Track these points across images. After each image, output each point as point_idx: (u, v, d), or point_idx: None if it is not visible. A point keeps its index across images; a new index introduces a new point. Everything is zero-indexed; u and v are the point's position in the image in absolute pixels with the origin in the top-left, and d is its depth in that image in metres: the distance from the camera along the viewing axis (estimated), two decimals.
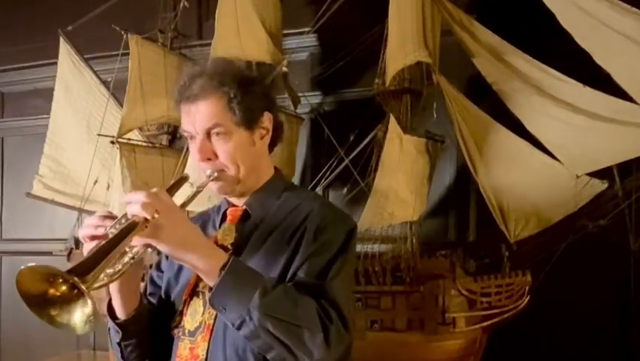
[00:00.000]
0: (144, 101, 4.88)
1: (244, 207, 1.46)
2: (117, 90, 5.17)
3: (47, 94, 5.64)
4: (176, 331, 1.42)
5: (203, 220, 1.57)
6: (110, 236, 1.17)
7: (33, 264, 1.06)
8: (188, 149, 4.74)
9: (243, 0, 4.61)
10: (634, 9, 3.53)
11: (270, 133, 1.47)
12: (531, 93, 4.01)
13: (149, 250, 1.23)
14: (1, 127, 6.45)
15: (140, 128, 5.29)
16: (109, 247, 1.13)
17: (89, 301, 1.05)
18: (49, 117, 5.52)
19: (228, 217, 1.48)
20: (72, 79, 5.42)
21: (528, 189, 4.11)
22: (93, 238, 1.23)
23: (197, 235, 1.25)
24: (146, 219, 1.16)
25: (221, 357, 1.33)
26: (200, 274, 1.26)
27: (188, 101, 1.39)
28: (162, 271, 1.57)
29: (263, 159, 1.48)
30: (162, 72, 5.04)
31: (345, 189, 4.59)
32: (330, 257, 1.32)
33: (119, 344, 1.43)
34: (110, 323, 1.42)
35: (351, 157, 4.48)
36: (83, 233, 1.24)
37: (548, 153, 4.04)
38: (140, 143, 5.15)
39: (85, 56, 5.42)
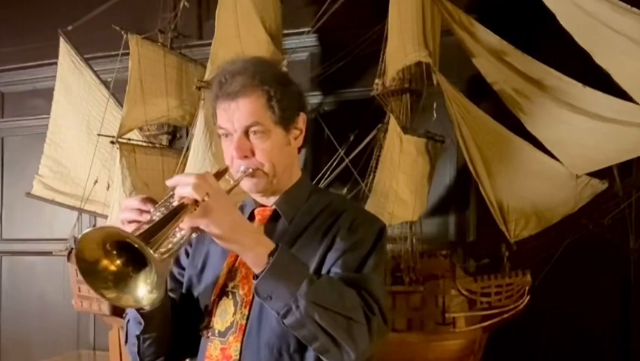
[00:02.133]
0: (144, 101, 4.88)
1: (273, 207, 1.45)
2: (117, 90, 5.17)
3: (47, 94, 5.64)
4: (205, 332, 1.40)
5: None
6: (155, 220, 1.15)
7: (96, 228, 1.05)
8: (188, 149, 4.75)
9: (243, 0, 4.62)
10: (634, 9, 3.53)
11: (303, 134, 1.47)
12: (531, 93, 4.01)
13: (195, 234, 1.21)
14: (1, 127, 6.45)
15: (140, 128, 5.28)
16: (164, 222, 1.12)
17: (154, 266, 1.03)
18: (49, 117, 5.52)
19: (257, 217, 1.47)
20: (72, 79, 5.42)
21: (528, 189, 4.11)
22: (133, 222, 1.21)
23: (245, 220, 1.25)
24: (195, 202, 1.15)
25: (256, 357, 1.32)
26: (246, 260, 1.25)
27: (228, 97, 1.37)
28: (183, 268, 1.55)
29: (295, 160, 1.49)
30: (162, 72, 5.04)
31: (345, 189, 4.59)
32: (365, 253, 1.33)
33: (138, 337, 1.40)
34: (132, 314, 1.38)
35: (351, 157, 4.48)
36: (123, 217, 1.22)
37: (548, 153, 4.05)
38: (140, 143, 5.15)
39: (85, 56, 5.42)
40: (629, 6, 3.54)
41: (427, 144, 4.37)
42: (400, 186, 4.21)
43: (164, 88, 5.04)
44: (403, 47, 4.14)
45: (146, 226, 1.13)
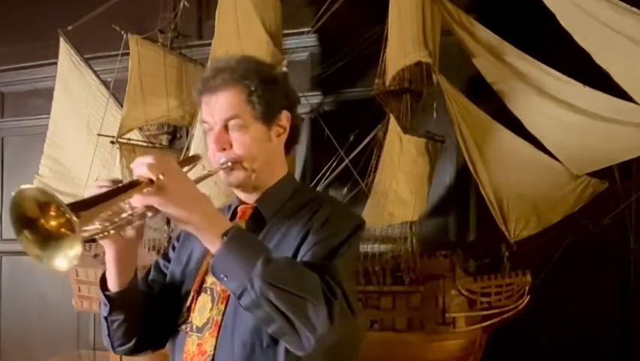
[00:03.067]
0: (144, 101, 4.89)
1: (255, 204, 1.47)
2: (117, 90, 5.17)
3: (47, 94, 5.64)
4: (183, 327, 1.42)
5: None
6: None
7: (30, 186, 1.04)
8: (188, 149, 4.75)
9: (242, 0, 4.62)
10: (634, 9, 3.53)
11: (287, 132, 1.48)
12: (531, 93, 4.01)
13: (150, 213, 1.22)
14: (1, 127, 6.45)
15: (140, 128, 5.29)
16: (108, 195, 1.13)
17: (78, 241, 1.03)
18: (49, 117, 5.52)
19: (238, 214, 1.49)
20: (72, 79, 5.42)
21: (528, 189, 4.11)
22: None
23: (202, 200, 1.24)
24: (150, 181, 1.17)
25: (229, 353, 1.33)
26: (202, 241, 1.25)
27: (209, 92, 1.41)
28: (169, 261, 1.57)
29: (277, 157, 1.49)
30: (162, 72, 5.04)
31: (345, 189, 4.59)
32: (335, 245, 1.32)
33: (105, 318, 1.43)
34: (100, 295, 1.41)
35: (351, 157, 4.48)
36: (88, 193, 1.22)
37: (548, 153, 4.05)
38: (140, 143, 5.15)
39: (85, 56, 5.42)
40: (629, 6, 3.54)
41: (427, 144, 4.37)
42: (400, 186, 4.21)
43: (164, 88, 5.04)
44: (403, 47, 4.15)
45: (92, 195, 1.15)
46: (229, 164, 1.40)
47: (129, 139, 5.01)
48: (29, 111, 6.23)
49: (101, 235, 1.21)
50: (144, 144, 5.20)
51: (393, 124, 4.27)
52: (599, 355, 4.26)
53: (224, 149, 1.40)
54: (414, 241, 4.30)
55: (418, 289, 4.06)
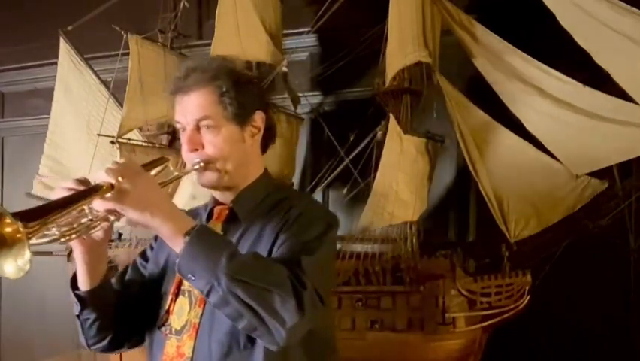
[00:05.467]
0: (144, 101, 4.88)
1: (230, 205, 1.47)
2: (117, 90, 5.17)
3: (47, 94, 5.64)
4: (162, 329, 1.42)
5: (191, 217, 1.58)
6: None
7: None
8: None
9: (242, 0, 4.62)
10: (634, 9, 3.53)
11: (262, 132, 1.47)
12: (531, 93, 4.01)
13: (112, 217, 1.23)
14: (1, 127, 6.45)
15: (140, 128, 5.29)
16: (64, 202, 1.13)
17: (27, 250, 1.03)
18: (49, 117, 5.52)
19: (214, 215, 1.49)
20: (72, 79, 5.42)
21: (528, 189, 4.11)
22: None
23: (164, 201, 1.24)
24: (111, 185, 1.17)
25: (207, 355, 1.33)
26: (166, 242, 1.25)
27: (181, 92, 1.41)
28: (147, 261, 1.57)
29: (252, 157, 1.48)
30: (162, 72, 5.04)
31: (345, 189, 4.59)
32: (306, 240, 1.32)
33: (77, 316, 1.43)
34: (71, 294, 1.41)
35: (351, 157, 4.48)
36: (55, 194, 1.22)
37: (548, 153, 4.05)
38: (140, 143, 5.15)
39: (85, 56, 5.42)
40: (629, 6, 3.54)
41: (427, 144, 4.37)
42: (400, 186, 4.21)
43: (164, 88, 5.03)
44: (403, 47, 4.15)
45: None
46: (201, 165, 1.39)
47: (129, 139, 5.01)
48: (29, 111, 6.24)
49: (61, 241, 1.21)
50: (144, 144, 5.20)
51: (393, 124, 4.27)
52: (599, 355, 4.26)
53: (197, 149, 1.40)
54: (414, 241, 4.30)
55: (418, 289, 4.06)
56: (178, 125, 1.44)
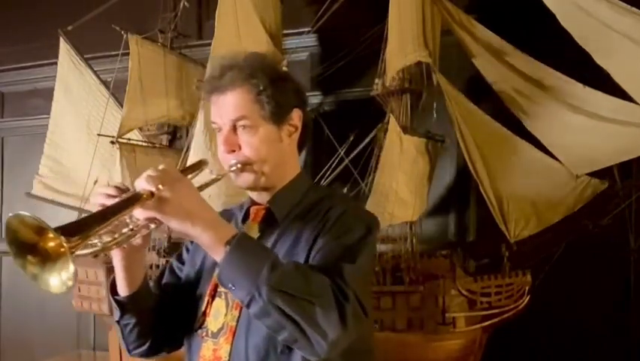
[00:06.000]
0: (144, 101, 4.89)
1: (267, 205, 1.44)
2: (117, 90, 5.17)
3: (47, 94, 5.64)
4: (199, 331, 1.40)
5: (225, 218, 1.53)
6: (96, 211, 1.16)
7: (23, 213, 1.04)
8: (188, 149, 4.75)
9: (243, 0, 4.62)
10: (634, 9, 3.52)
11: (299, 131, 1.44)
12: (531, 93, 4.01)
13: (153, 225, 1.22)
14: (1, 127, 6.45)
15: (140, 128, 5.28)
16: (106, 214, 1.13)
17: (71, 264, 1.03)
18: (49, 117, 5.52)
19: (251, 216, 1.46)
20: (72, 79, 5.42)
21: (528, 189, 4.11)
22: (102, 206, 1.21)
23: (204, 208, 1.21)
24: (151, 193, 1.15)
25: (244, 359, 1.31)
26: (207, 250, 1.23)
27: (217, 92, 1.38)
28: (183, 263, 1.55)
29: (289, 157, 1.45)
30: (162, 72, 5.04)
31: (345, 189, 4.58)
32: (348, 244, 1.28)
33: (118, 322, 1.42)
34: (111, 300, 1.40)
35: (351, 157, 4.48)
36: (94, 200, 1.21)
37: (548, 153, 4.05)
38: (140, 143, 5.15)
39: (85, 56, 5.42)
40: (629, 6, 3.54)
41: (427, 144, 4.37)
42: (400, 186, 4.21)
43: (164, 88, 5.04)
44: (403, 46, 4.15)
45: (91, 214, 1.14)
46: (238, 166, 1.36)
47: (129, 139, 5.00)
48: (29, 111, 6.23)
49: (102, 252, 1.21)
50: (144, 144, 5.20)
51: (393, 124, 4.27)
52: (599, 355, 4.25)
53: (234, 150, 1.37)
54: (414, 241, 4.30)
55: (418, 289, 4.06)
56: (214, 126, 1.41)
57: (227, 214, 1.53)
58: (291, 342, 1.20)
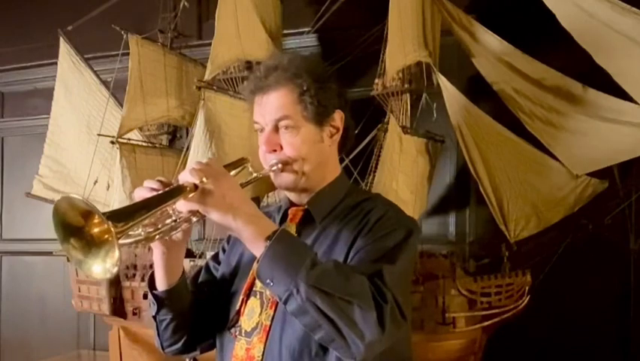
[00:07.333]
0: (144, 101, 4.88)
1: (306, 206, 1.43)
2: (117, 90, 5.17)
3: (47, 94, 5.63)
4: (232, 330, 1.40)
5: None
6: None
7: (74, 195, 1.07)
8: (188, 149, 4.75)
9: (243, 0, 4.61)
10: (634, 9, 3.52)
11: (340, 133, 1.44)
12: (531, 93, 4.01)
13: (195, 218, 1.22)
14: (1, 127, 6.44)
15: (140, 128, 5.28)
16: (150, 203, 1.14)
17: (116, 250, 1.04)
18: (49, 117, 5.51)
19: (289, 217, 1.45)
20: (72, 79, 5.41)
21: (528, 189, 4.11)
22: None
23: (246, 203, 1.21)
24: (195, 186, 1.16)
25: (277, 359, 1.30)
26: (247, 245, 1.22)
27: (260, 91, 1.38)
28: (219, 263, 1.55)
29: (330, 158, 1.45)
30: (162, 72, 5.03)
31: None
32: (388, 247, 1.28)
33: (154, 317, 1.42)
34: (149, 295, 1.41)
35: (351, 157, 4.47)
36: (138, 193, 1.22)
37: (548, 153, 4.05)
38: (140, 143, 5.15)
39: (85, 56, 5.41)
40: (629, 6, 3.54)
41: (427, 144, 4.37)
42: (400, 186, 4.21)
43: (164, 88, 5.03)
44: (403, 46, 4.15)
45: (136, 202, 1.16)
46: (279, 166, 1.36)
47: (129, 139, 5.00)
48: (29, 111, 6.23)
49: (144, 242, 1.22)
50: (144, 144, 5.20)
51: (393, 124, 4.27)
52: (599, 355, 4.26)
53: (275, 150, 1.37)
54: None
55: (418, 289, 4.06)
56: (256, 126, 1.40)
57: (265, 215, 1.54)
58: (327, 342, 1.19)
